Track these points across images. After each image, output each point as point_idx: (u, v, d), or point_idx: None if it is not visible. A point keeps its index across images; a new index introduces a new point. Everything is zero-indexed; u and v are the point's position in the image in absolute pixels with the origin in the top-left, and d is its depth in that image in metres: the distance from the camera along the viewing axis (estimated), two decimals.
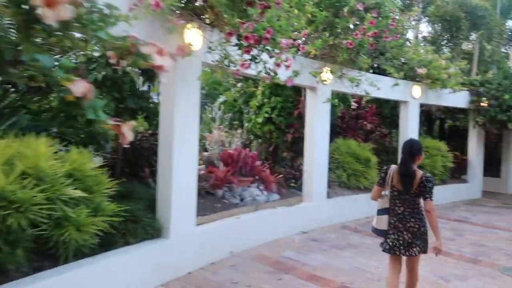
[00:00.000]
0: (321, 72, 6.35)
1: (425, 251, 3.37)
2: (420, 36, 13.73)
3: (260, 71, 4.48)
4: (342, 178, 7.76)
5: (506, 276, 4.79)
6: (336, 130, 9.19)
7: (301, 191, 6.86)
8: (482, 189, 11.09)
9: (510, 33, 14.46)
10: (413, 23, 11.89)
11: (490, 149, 13.33)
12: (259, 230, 5.74)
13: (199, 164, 5.75)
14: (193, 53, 3.82)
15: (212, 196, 5.78)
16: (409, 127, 8.73)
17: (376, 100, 9.86)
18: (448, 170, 10.12)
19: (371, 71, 8.19)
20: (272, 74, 4.55)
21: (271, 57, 4.42)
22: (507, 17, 14.18)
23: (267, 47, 4.24)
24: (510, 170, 12.02)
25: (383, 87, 8.07)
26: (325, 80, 6.49)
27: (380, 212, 3.51)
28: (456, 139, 13.24)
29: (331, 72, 6.51)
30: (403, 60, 8.59)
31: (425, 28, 14.25)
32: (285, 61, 4.46)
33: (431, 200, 3.26)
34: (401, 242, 3.35)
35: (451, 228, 7.12)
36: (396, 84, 8.18)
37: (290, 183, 7.00)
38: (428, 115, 13.13)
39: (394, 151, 9.04)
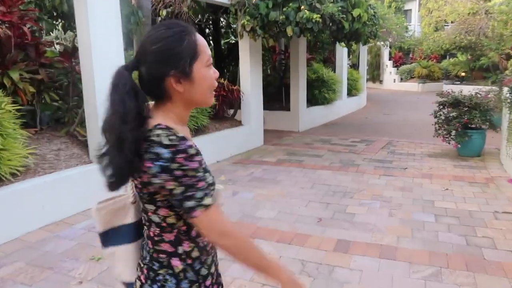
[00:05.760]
0: None
1: None
2: None
3: None
4: None
5: None
6: None
7: None
8: (263, 132, 7.54)
9: None
10: None
11: (275, 72, 10.03)
12: None
13: None
14: None
15: None
16: (93, 35, 3.99)
17: None
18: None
19: None
20: None
21: None
22: None
23: None
24: (300, 100, 8.85)
25: None
26: None
27: None
28: (231, 62, 9.49)
29: None
30: None
31: None
32: None
33: None
34: None
35: None
36: None
37: None
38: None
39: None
